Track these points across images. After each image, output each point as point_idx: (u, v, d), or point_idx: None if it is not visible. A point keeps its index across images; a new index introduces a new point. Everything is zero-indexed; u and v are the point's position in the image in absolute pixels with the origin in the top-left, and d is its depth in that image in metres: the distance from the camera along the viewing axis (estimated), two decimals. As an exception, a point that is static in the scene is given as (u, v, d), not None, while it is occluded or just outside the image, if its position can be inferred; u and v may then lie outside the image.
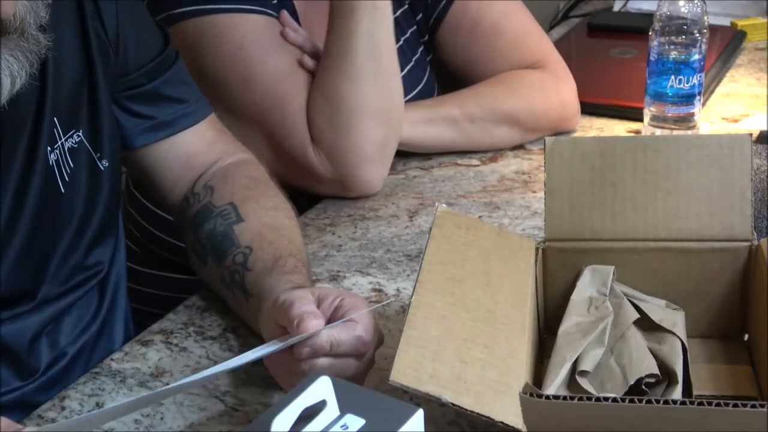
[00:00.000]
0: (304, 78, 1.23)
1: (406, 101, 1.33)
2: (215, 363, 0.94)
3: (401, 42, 1.39)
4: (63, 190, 0.95)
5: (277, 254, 0.96)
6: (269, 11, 1.26)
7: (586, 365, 0.81)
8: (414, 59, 1.40)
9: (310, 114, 1.21)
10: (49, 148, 0.93)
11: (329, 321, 0.83)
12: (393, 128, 1.25)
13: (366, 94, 1.21)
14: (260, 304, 0.91)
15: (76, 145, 0.96)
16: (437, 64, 1.46)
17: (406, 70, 1.38)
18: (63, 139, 0.94)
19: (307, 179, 1.24)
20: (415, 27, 1.41)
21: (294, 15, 1.29)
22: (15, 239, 0.92)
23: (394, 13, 1.38)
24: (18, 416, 0.87)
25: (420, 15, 1.41)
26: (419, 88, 1.40)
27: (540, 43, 1.41)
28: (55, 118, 0.94)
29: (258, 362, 0.94)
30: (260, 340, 0.93)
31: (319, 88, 1.21)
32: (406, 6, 1.41)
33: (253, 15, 1.23)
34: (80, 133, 0.96)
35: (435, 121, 1.33)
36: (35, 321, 0.96)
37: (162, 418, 0.86)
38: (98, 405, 0.89)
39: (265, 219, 1.02)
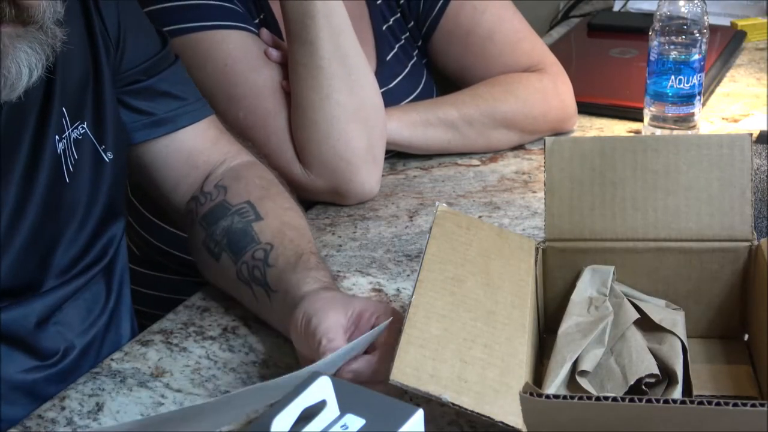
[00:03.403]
0: (287, 95, 1.22)
1: (403, 105, 1.32)
2: (215, 363, 0.94)
3: (396, 49, 1.39)
4: (68, 180, 0.96)
5: (299, 251, 0.97)
6: (252, 28, 1.25)
7: (586, 365, 0.81)
8: (410, 64, 1.40)
9: (292, 131, 1.20)
10: (57, 137, 0.94)
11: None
12: (376, 129, 1.23)
13: (340, 99, 1.19)
14: (285, 298, 0.92)
15: (80, 137, 0.97)
16: (432, 68, 1.46)
17: (402, 76, 1.38)
18: (70, 130, 0.96)
19: (299, 193, 1.23)
20: (408, 33, 1.41)
21: (277, 30, 1.28)
22: (22, 228, 0.93)
23: (387, 21, 1.38)
24: (26, 401, 0.89)
25: (412, 23, 1.41)
26: (417, 91, 1.39)
27: (534, 46, 1.41)
28: (63, 108, 0.95)
29: (258, 360, 0.94)
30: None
31: (294, 102, 1.20)
32: (399, 14, 1.40)
33: (237, 31, 1.22)
34: (84, 125, 0.97)
35: (432, 123, 1.32)
36: (39, 305, 0.96)
37: (162, 418, 0.86)
38: (98, 405, 0.89)
39: (285, 218, 1.03)
